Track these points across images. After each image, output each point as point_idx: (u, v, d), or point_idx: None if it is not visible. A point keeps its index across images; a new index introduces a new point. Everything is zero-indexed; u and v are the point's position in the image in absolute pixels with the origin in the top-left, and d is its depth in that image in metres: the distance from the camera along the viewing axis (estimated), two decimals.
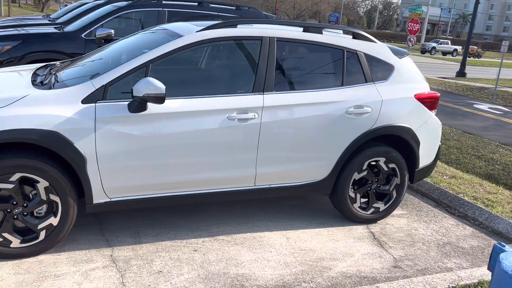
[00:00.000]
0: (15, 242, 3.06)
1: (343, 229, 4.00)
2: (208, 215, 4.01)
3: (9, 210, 3.01)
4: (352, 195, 4.03)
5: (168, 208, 4.03)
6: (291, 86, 3.70)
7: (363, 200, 4.13)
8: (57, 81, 3.33)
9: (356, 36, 4.07)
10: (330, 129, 3.74)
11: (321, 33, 3.89)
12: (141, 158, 3.23)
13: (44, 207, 3.12)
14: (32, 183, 3.03)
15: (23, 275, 2.92)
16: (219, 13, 8.00)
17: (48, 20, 10.22)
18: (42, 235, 3.12)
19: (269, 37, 3.65)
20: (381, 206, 4.16)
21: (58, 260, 3.13)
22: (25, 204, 3.04)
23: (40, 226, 3.09)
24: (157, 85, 3.04)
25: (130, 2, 7.73)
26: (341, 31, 4.22)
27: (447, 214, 4.59)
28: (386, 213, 4.20)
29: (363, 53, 3.96)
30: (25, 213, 3.05)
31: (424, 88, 4.18)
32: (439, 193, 4.91)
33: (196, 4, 7.97)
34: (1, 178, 2.92)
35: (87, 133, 3.05)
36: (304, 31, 3.86)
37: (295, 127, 3.64)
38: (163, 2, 7.71)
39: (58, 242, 3.20)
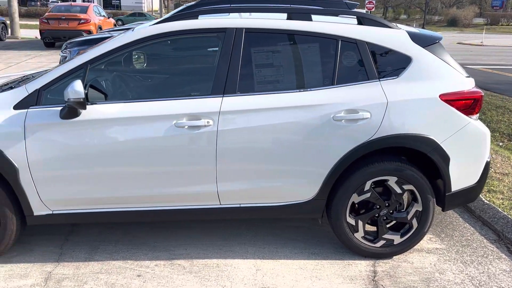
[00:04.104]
0: None
1: (338, 264, 3.19)
2: (184, 233, 3.56)
3: None
4: (352, 222, 3.18)
5: (146, 222, 3.69)
6: (262, 86, 3.04)
7: (369, 229, 3.25)
8: (11, 88, 3.21)
9: (361, 21, 3.20)
10: (311, 139, 2.99)
11: (310, 20, 3.13)
12: (76, 168, 2.94)
13: None
14: None
15: None
16: (291, 5, 7.38)
17: None
18: None
19: (235, 28, 3.04)
20: (395, 238, 3.22)
21: None
22: None
23: None
24: (76, 89, 2.71)
25: (198, 0, 7.59)
26: (349, 16, 3.36)
27: (506, 254, 3.38)
28: (404, 247, 3.25)
29: (366, 42, 3.07)
30: None
31: (460, 85, 3.10)
32: (504, 223, 3.67)
33: None
34: None
35: (17, 141, 2.87)
36: (288, 18, 3.15)
37: (265, 136, 2.97)
38: None
39: (1, 254, 3.11)
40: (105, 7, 42.87)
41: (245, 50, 3.02)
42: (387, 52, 3.09)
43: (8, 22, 19.37)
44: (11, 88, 3.13)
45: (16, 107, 2.90)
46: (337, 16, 3.42)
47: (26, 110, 2.90)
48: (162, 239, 3.48)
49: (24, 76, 3.65)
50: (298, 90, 3.01)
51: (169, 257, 3.24)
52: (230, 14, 3.30)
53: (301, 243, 3.46)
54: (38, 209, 3.03)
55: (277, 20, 3.10)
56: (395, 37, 3.12)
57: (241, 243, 3.44)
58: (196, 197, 3.08)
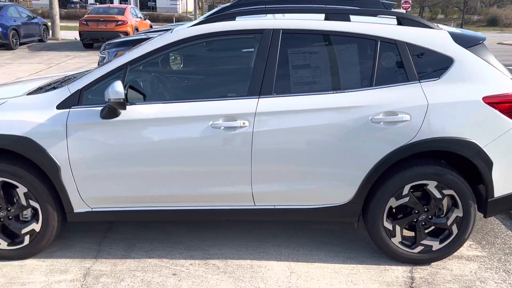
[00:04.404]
0: (3, 244, 3.14)
1: (374, 269, 3.13)
2: (218, 233, 3.58)
3: None
4: (389, 226, 3.12)
5: (182, 221, 3.73)
6: (299, 88, 3.02)
7: (407, 234, 3.18)
8: (54, 88, 3.30)
9: (401, 22, 3.13)
10: (348, 141, 2.94)
11: (348, 20, 3.08)
12: (114, 167, 3.00)
13: (29, 212, 3.14)
14: (15, 188, 3.07)
15: None
16: (327, 5, 7.32)
17: None
18: (27, 239, 3.14)
19: (272, 29, 3.03)
20: (434, 244, 3.14)
21: (38, 266, 3.12)
22: (8, 208, 3.09)
23: (23, 231, 3.12)
24: (116, 90, 2.77)
25: (234, 1, 7.64)
26: (388, 17, 3.30)
27: None
28: (443, 253, 3.16)
29: (406, 42, 3.00)
30: (10, 217, 3.11)
31: (505, 87, 2.98)
32: None
33: None
34: None
35: (60, 139, 2.95)
36: (326, 19, 3.12)
37: (301, 138, 2.95)
38: None
39: (43, 248, 3.20)
40: (141, 8, 43.73)
41: (282, 51, 3.01)
42: (428, 53, 3.01)
43: (49, 24, 20.01)
44: (54, 88, 3.22)
45: (59, 106, 2.98)
46: (375, 16, 3.37)
47: (68, 109, 2.97)
48: (197, 238, 3.50)
49: (66, 77, 3.76)
50: (335, 92, 2.97)
51: (204, 256, 3.26)
52: (267, 15, 3.30)
53: (336, 247, 3.42)
54: (78, 206, 3.10)
55: (314, 21, 3.07)
56: (436, 38, 3.04)
57: (275, 244, 3.43)
58: (231, 198, 3.09)
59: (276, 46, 3.00)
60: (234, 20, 3.10)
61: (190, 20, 33.52)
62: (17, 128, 2.93)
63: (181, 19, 38.30)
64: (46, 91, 3.21)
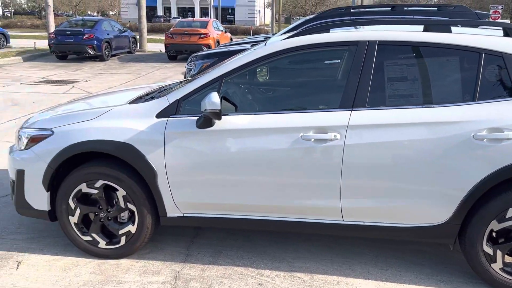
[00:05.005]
0: (102, 243, 3.35)
1: None
2: (302, 245, 3.55)
3: (96, 213, 3.31)
4: (489, 251, 2.92)
5: (267, 231, 3.75)
6: (394, 101, 2.93)
7: (509, 260, 2.96)
8: (152, 98, 3.46)
9: (508, 33, 2.95)
10: (447, 158, 2.80)
11: (449, 31, 2.95)
12: (207, 175, 3.08)
13: (126, 214, 3.32)
14: (115, 191, 3.26)
15: (95, 275, 3.16)
16: (415, 17, 7.09)
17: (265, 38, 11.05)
18: (123, 240, 3.32)
19: (368, 41, 2.97)
20: None
21: (132, 267, 3.27)
22: (108, 210, 3.29)
23: (120, 232, 3.30)
24: (213, 101, 2.86)
25: (317, 13, 7.64)
26: (492, 28, 3.12)
27: None
28: None
29: None
30: (109, 218, 3.31)
31: None
32: None
33: (389, 9, 7.28)
34: (88, 183, 3.24)
35: (158, 147, 3.10)
36: (424, 30, 3.01)
37: (395, 153, 2.86)
38: (351, 10, 7.32)
39: (137, 249, 3.36)
40: (220, 21, 45.14)
41: (377, 63, 2.94)
42: None
43: (137, 37, 21.25)
44: (152, 98, 3.39)
45: (158, 115, 3.14)
46: (476, 27, 3.20)
47: (166, 119, 3.12)
48: (280, 249, 3.50)
49: (162, 87, 3.95)
50: (434, 105, 2.85)
51: (289, 269, 3.25)
52: (361, 27, 3.25)
53: (427, 269, 3.25)
54: (171, 211, 3.23)
55: (413, 32, 2.97)
56: None
57: (362, 262, 3.34)
58: (319, 211, 3.05)
59: (372, 58, 2.94)
60: (328, 32, 3.09)
61: (267, 32, 34.02)
62: (121, 134, 3.12)
63: (258, 31, 38.97)
64: (145, 100, 3.39)
